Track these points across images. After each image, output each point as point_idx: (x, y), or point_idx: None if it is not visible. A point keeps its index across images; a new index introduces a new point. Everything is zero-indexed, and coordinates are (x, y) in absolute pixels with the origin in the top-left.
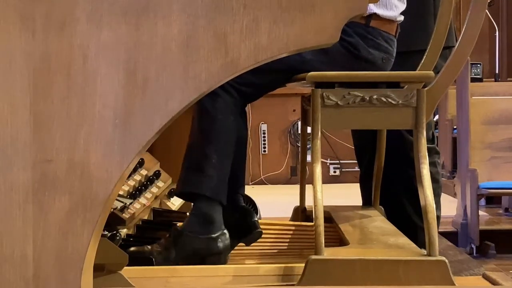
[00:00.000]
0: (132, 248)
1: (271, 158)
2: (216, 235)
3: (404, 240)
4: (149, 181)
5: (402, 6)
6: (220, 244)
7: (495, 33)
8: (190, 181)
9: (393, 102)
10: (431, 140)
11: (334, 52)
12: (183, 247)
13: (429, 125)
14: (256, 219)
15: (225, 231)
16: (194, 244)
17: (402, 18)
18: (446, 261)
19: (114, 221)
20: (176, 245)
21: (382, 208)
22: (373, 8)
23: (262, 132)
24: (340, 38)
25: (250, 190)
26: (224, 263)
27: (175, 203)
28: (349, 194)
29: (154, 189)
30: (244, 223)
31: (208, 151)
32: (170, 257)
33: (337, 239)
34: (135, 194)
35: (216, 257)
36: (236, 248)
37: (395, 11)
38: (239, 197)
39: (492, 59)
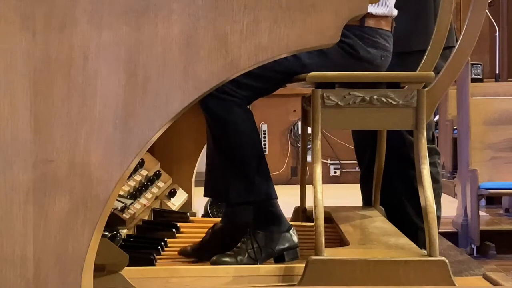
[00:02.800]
0: (214, 258)
1: (271, 158)
2: (288, 231)
3: (404, 240)
4: (150, 181)
5: None
6: (295, 238)
7: (496, 33)
8: (241, 192)
9: (393, 102)
10: (431, 140)
11: (333, 55)
12: (268, 248)
13: (429, 125)
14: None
15: (291, 224)
16: (277, 244)
17: (396, 12)
18: (447, 261)
19: (114, 221)
20: (261, 247)
21: (383, 209)
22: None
23: (262, 132)
24: (339, 41)
25: None
26: (298, 258)
27: (175, 203)
28: (349, 195)
29: (154, 190)
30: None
31: (244, 158)
32: (258, 259)
33: (338, 240)
34: (135, 194)
35: (293, 251)
36: None
37: (388, 6)
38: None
39: (493, 59)
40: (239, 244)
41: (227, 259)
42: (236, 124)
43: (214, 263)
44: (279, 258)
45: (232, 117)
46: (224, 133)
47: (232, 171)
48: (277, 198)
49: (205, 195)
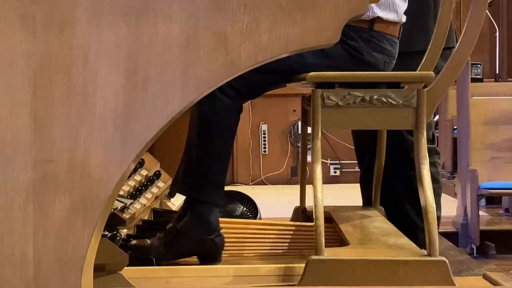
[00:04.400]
0: (133, 242)
1: (271, 158)
2: (211, 236)
3: (404, 240)
4: (149, 181)
5: (404, 5)
6: (214, 245)
7: (496, 33)
8: (188, 185)
9: (393, 102)
10: (431, 140)
11: (336, 56)
12: (180, 246)
13: (429, 125)
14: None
15: (221, 231)
16: (191, 246)
17: (405, 18)
18: (447, 261)
19: (114, 221)
20: (173, 243)
21: (382, 208)
22: (376, 11)
23: (262, 132)
24: (344, 42)
25: (250, 190)
26: (219, 262)
27: (175, 203)
28: (349, 195)
29: (154, 189)
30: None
31: (206, 155)
32: (167, 255)
33: (338, 240)
34: (135, 194)
35: (212, 256)
36: (236, 248)
37: (398, 12)
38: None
39: (493, 59)
40: (159, 236)
41: (139, 252)
42: (213, 121)
43: (131, 247)
44: (199, 259)
45: (212, 114)
46: (200, 126)
47: (193, 163)
48: (219, 207)
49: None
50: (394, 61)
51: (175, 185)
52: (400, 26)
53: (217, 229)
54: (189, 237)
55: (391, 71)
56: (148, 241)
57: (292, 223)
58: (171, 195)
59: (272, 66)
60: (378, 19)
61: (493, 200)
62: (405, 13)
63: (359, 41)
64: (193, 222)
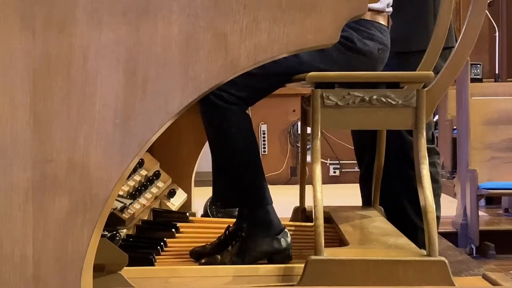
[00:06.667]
0: (203, 260)
1: (271, 158)
2: (278, 235)
3: (404, 240)
4: (149, 181)
5: None
6: (283, 242)
7: (495, 33)
8: (234, 198)
9: (393, 102)
10: (431, 140)
11: (330, 50)
12: (252, 251)
13: (429, 125)
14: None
15: (286, 229)
16: (262, 247)
17: (390, 9)
18: (446, 261)
19: (114, 221)
20: (245, 250)
21: (382, 209)
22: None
23: (262, 132)
24: None
25: None
26: (290, 259)
27: (175, 203)
28: (349, 195)
29: (154, 190)
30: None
31: (240, 164)
32: (243, 263)
33: (337, 240)
34: (135, 194)
35: (282, 254)
36: None
37: (381, 3)
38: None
39: (492, 59)
40: (228, 248)
41: (215, 260)
42: (230, 132)
43: (203, 264)
44: (268, 260)
45: (227, 125)
46: (220, 141)
47: (228, 177)
48: (272, 203)
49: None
50: (388, 50)
51: (221, 200)
52: (388, 16)
53: (281, 226)
54: (257, 241)
55: (391, 70)
56: (219, 257)
57: (291, 223)
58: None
59: (269, 68)
60: None
61: (492, 200)
62: (405, 13)
63: (348, 31)
64: (256, 226)
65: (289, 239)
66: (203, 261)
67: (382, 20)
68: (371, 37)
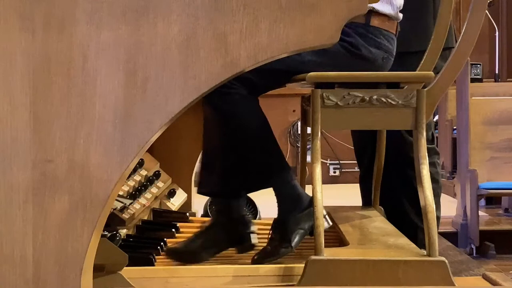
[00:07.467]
0: (256, 257)
1: None
2: (309, 206)
3: (404, 240)
4: (149, 181)
5: (400, 0)
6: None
7: (495, 33)
8: (257, 180)
9: (393, 102)
10: (430, 140)
11: (333, 52)
12: (294, 230)
13: (429, 125)
14: (251, 230)
15: (310, 197)
16: (300, 224)
17: (401, 16)
18: (446, 261)
19: (114, 221)
20: (289, 233)
21: (382, 209)
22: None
23: None
24: (341, 39)
25: None
26: (327, 226)
27: (175, 203)
28: (348, 195)
29: (154, 190)
30: (238, 232)
31: (258, 147)
32: (293, 244)
33: (337, 240)
34: (135, 194)
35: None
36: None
37: (393, 4)
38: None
39: (492, 59)
40: (272, 236)
41: (270, 258)
42: (243, 115)
43: (256, 262)
44: (311, 234)
45: (238, 109)
46: (234, 126)
47: (246, 161)
48: (295, 179)
49: (200, 192)
50: (393, 58)
51: (241, 186)
52: (397, 24)
53: (310, 197)
54: (296, 218)
55: (391, 71)
56: (269, 248)
57: None
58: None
59: (269, 64)
60: (374, 13)
61: (492, 200)
62: (404, 13)
63: (355, 37)
64: (288, 204)
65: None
66: (255, 257)
67: (391, 28)
68: (378, 45)
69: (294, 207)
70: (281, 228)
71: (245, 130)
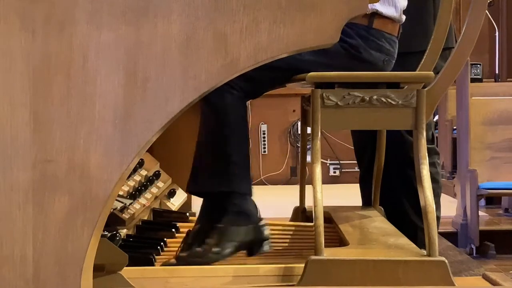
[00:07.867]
0: (182, 254)
1: (271, 158)
2: (258, 224)
3: (404, 240)
4: (149, 181)
5: (404, 1)
6: (265, 231)
7: (495, 33)
8: (216, 181)
9: (393, 102)
10: (430, 140)
11: (334, 53)
12: (233, 240)
13: (429, 125)
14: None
15: (263, 219)
16: (240, 237)
17: (404, 18)
18: (446, 261)
19: (114, 221)
20: (225, 240)
21: (382, 209)
22: (375, 5)
23: (262, 132)
24: (342, 40)
25: None
26: (268, 250)
27: (175, 203)
28: (348, 195)
29: (154, 190)
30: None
31: (227, 149)
32: (225, 253)
33: (337, 240)
34: (135, 194)
35: (262, 243)
36: None
37: (396, 7)
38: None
39: (492, 59)
40: (207, 240)
41: (196, 259)
42: (225, 111)
43: (181, 259)
44: (249, 252)
45: (223, 104)
46: (213, 119)
47: (214, 159)
48: (252, 196)
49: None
50: (394, 61)
51: (195, 184)
52: (400, 26)
53: (260, 217)
54: (239, 229)
55: (391, 71)
56: (199, 249)
57: (291, 223)
58: (170, 195)
59: (270, 63)
60: (377, 16)
61: (492, 200)
62: (404, 13)
63: (357, 39)
64: (236, 215)
65: (265, 228)
66: (185, 254)
67: (393, 31)
68: (379, 48)
69: (243, 219)
70: (221, 232)
71: (223, 128)
